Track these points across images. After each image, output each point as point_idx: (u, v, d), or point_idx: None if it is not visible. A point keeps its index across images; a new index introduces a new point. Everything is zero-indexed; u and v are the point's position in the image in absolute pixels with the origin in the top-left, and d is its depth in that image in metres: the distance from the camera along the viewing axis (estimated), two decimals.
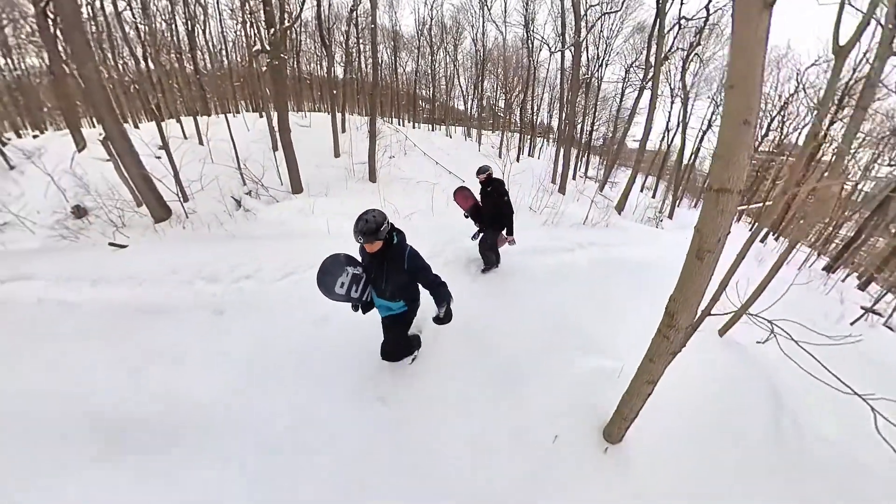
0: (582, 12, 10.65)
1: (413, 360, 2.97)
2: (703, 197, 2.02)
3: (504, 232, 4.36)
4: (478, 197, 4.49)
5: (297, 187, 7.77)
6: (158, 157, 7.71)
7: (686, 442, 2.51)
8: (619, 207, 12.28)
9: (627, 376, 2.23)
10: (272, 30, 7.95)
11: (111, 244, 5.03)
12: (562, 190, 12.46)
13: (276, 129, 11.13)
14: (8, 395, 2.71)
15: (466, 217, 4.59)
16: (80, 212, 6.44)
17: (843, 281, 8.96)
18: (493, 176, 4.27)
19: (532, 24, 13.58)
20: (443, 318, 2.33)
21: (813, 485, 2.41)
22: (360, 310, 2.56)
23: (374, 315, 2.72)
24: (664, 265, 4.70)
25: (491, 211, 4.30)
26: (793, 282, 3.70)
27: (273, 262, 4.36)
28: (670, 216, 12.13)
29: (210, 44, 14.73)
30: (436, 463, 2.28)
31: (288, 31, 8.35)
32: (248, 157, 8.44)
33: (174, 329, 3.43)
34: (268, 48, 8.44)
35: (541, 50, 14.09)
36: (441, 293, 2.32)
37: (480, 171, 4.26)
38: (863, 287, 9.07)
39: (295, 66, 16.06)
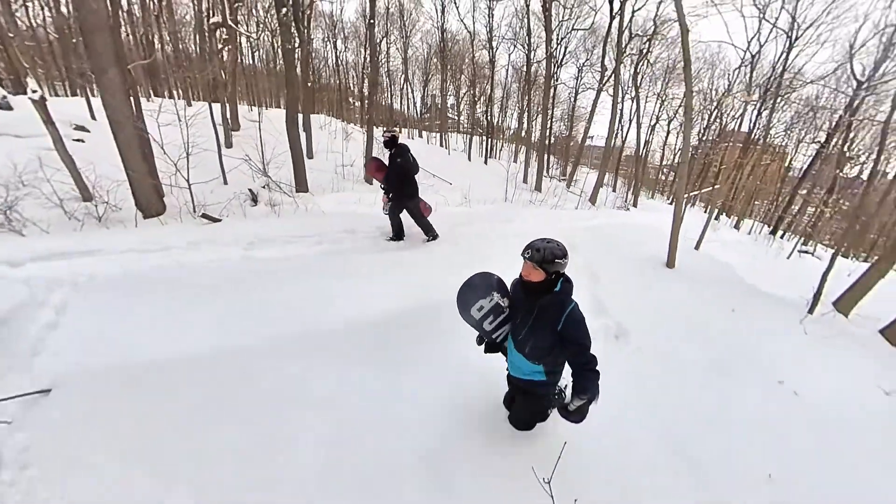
0: (553, 27, 11.27)
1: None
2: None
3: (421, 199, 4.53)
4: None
5: (302, 186, 6.65)
6: (80, 140, 5.60)
7: (713, 270, 5.35)
8: (593, 200, 12.88)
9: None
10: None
11: (204, 216, 4.63)
12: (538, 188, 12.66)
13: (230, 121, 9.41)
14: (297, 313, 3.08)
15: (384, 189, 4.43)
16: None
17: (787, 241, 11.14)
18: (399, 140, 4.24)
19: (493, 27, 13.92)
20: (571, 413, 1.80)
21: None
22: (483, 346, 2.07)
23: None
24: (659, 224, 7.55)
25: (394, 176, 4.22)
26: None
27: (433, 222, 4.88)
28: (635, 205, 13.17)
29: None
30: None
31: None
32: (192, 151, 6.40)
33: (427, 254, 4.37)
34: (229, 21, 7.13)
35: (497, 49, 14.45)
36: (588, 380, 1.73)
37: (388, 130, 4.24)
38: (805, 243, 11.85)
39: (243, 50, 13.33)
